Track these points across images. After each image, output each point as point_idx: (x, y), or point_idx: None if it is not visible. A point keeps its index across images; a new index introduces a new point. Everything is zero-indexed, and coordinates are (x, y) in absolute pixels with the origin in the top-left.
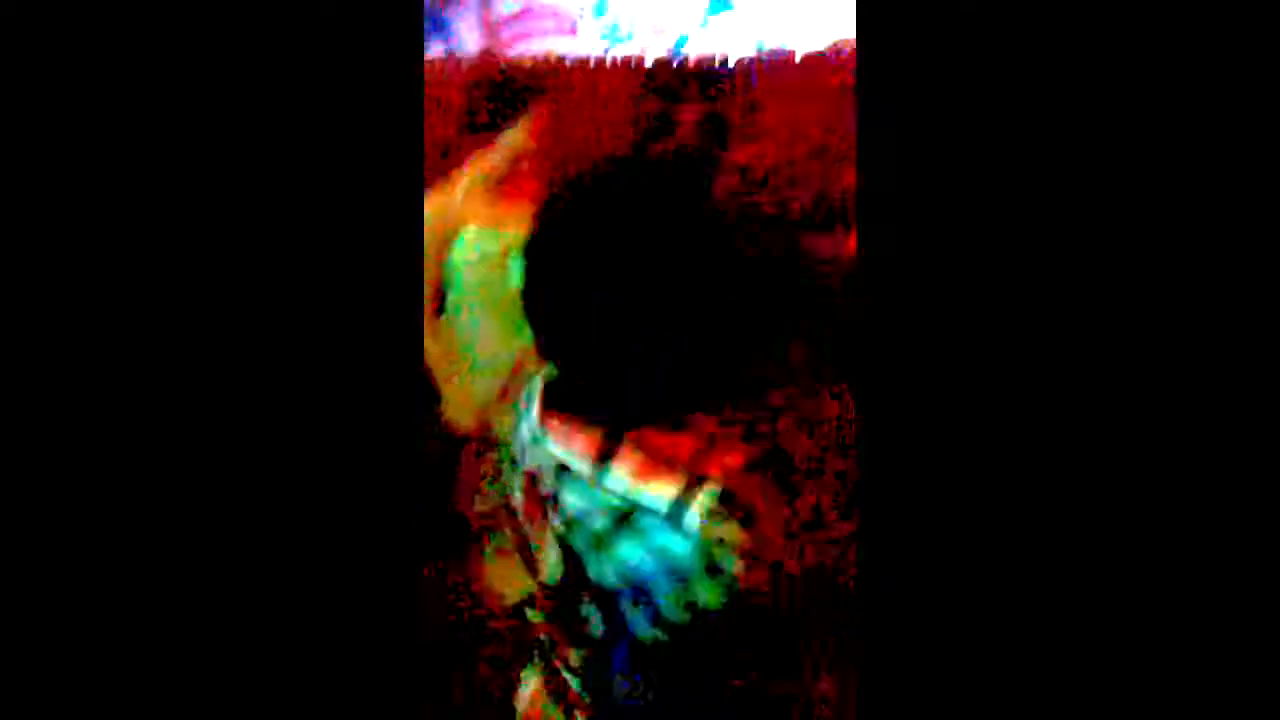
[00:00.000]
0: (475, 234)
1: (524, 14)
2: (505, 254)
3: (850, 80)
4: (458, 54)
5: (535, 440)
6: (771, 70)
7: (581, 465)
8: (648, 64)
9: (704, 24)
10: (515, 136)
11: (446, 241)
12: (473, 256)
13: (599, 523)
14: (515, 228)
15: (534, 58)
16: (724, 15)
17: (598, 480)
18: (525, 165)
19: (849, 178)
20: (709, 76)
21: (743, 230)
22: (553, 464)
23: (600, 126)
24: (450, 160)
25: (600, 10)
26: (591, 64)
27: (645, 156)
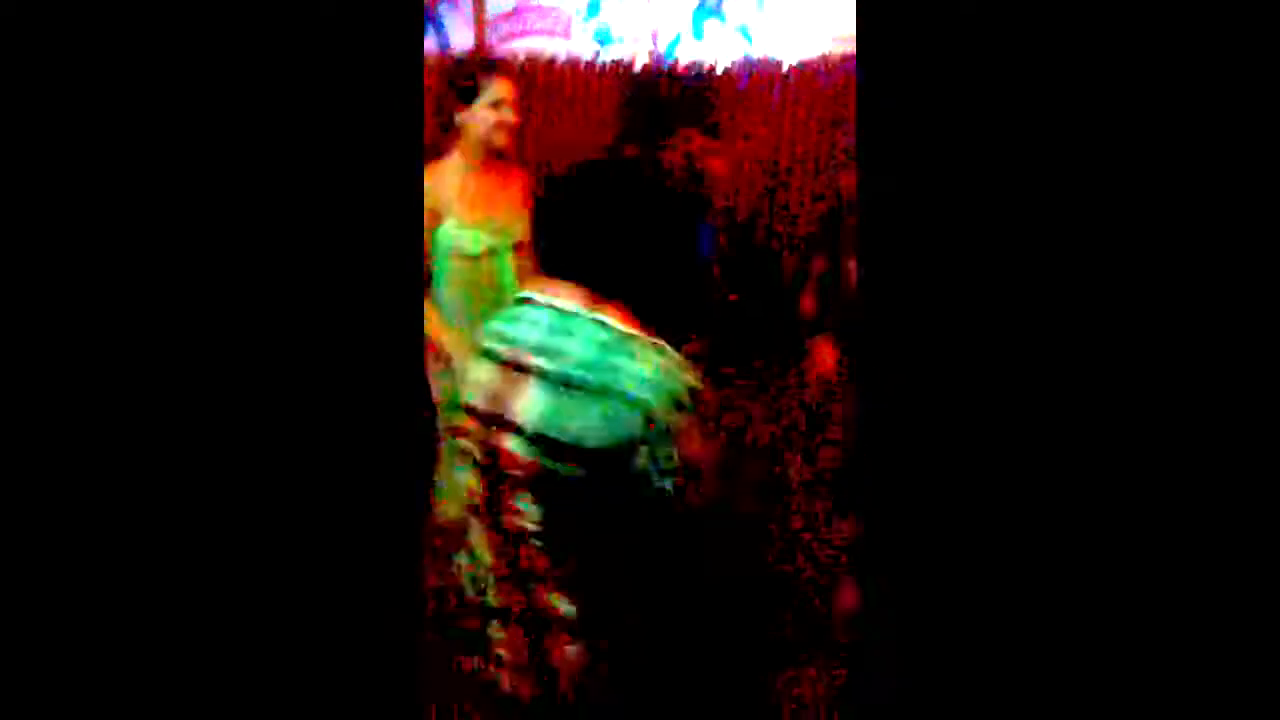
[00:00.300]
0: (456, 230)
1: (516, 13)
2: (487, 256)
3: (838, 89)
4: (450, 51)
5: (532, 306)
6: (760, 78)
7: (579, 307)
8: (637, 67)
9: (696, 30)
10: (485, 109)
11: (435, 218)
12: (453, 254)
13: (594, 352)
14: (497, 228)
15: (525, 55)
16: (715, 22)
17: (593, 315)
18: (504, 139)
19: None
20: (696, 81)
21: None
22: (551, 317)
23: (587, 126)
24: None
25: (593, 12)
26: (582, 65)
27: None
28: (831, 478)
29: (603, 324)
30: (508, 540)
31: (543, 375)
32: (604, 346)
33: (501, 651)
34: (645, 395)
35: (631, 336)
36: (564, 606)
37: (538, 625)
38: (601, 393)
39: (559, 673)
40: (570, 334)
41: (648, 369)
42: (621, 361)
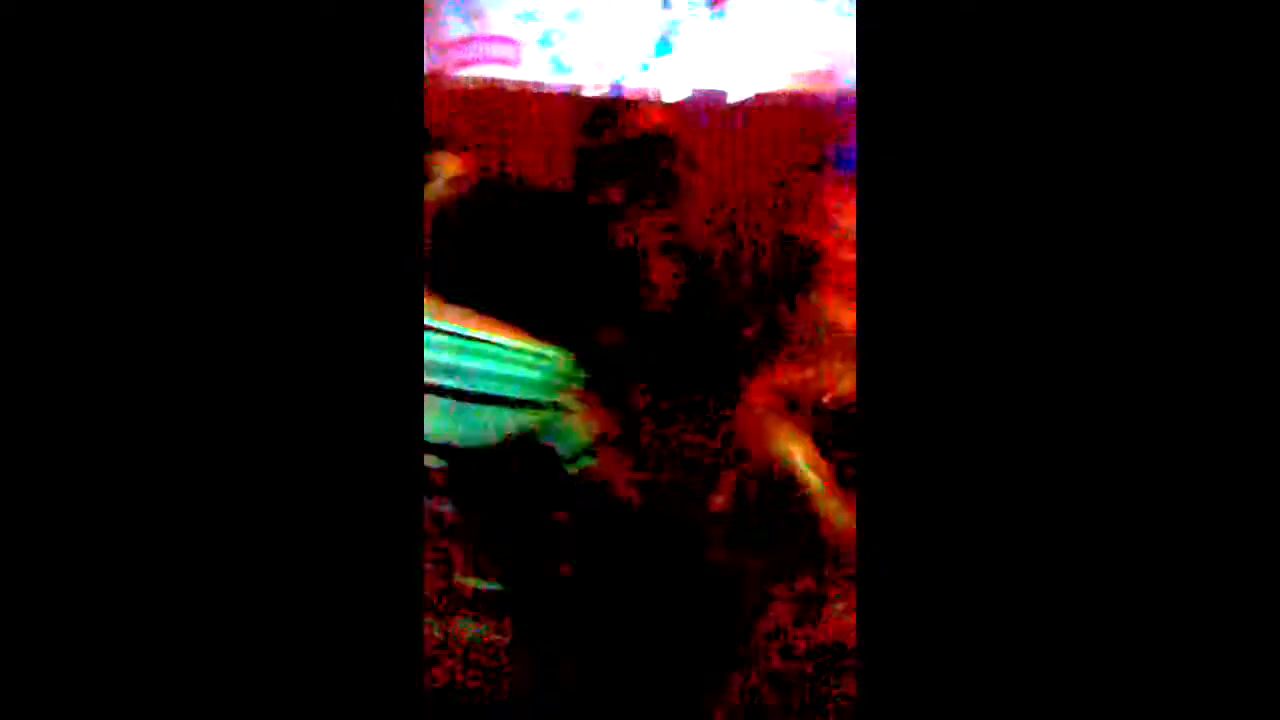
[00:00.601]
0: None
1: (470, 39)
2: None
3: (792, 125)
4: None
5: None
6: (713, 113)
7: (480, 333)
8: (587, 97)
9: (645, 65)
10: (442, 189)
11: None
12: None
13: (489, 365)
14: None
15: (478, 82)
16: (666, 57)
17: (488, 340)
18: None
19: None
20: (643, 113)
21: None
22: (456, 342)
23: (540, 155)
24: None
25: (546, 42)
26: (536, 93)
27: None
28: (754, 509)
29: (492, 341)
30: (430, 536)
31: (443, 394)
32: (497, 360)
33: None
34: (538, 396)
35: (520, 348)
36: (484, 586)
37: (459, 610)
38: (496, 401)
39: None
40: (466, 354)
41: (537, 373)
42: (512, 370)
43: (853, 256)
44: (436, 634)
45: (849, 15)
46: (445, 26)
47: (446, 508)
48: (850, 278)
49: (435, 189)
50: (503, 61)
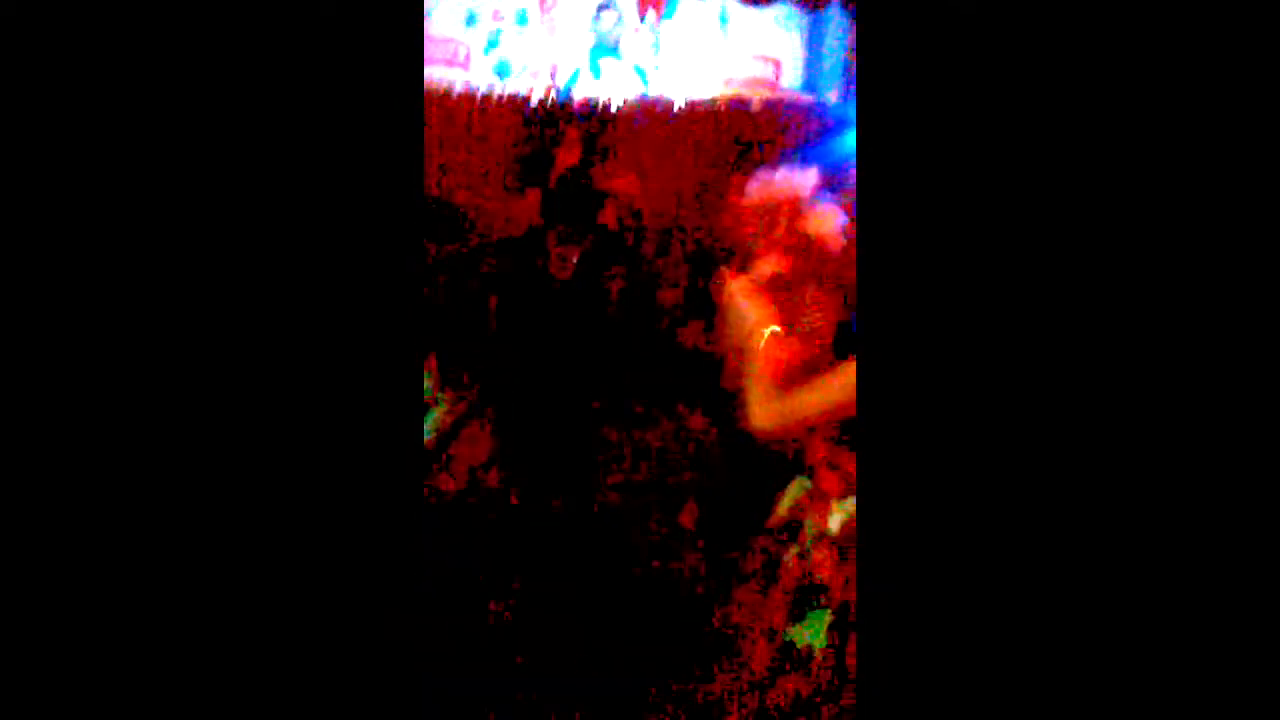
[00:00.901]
0: None
1: None
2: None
3: (727, 129)
4: None
5: None
6: (653, 117)
7: None
8: (533, 102)
9: (593, 67)
10: None
11: None
12: None
13: None
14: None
15: (425, 86)
16: (612, 60)
17: None
18: None
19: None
20: (589, 119)
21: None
22: None
23: (483, 160)
24: None
25: (492, 45)
26: (478, 98)
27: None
28: (697, 519)
29: None
30: None
31: None
32: None
33: None
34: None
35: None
36: None
37: None
38: None
39: None
40: None
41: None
42: None
43: (766, 251)
44: None
45: (790, 26)
46: None
47: None
48: (762, 274)
49: None
50: (449, 64)
